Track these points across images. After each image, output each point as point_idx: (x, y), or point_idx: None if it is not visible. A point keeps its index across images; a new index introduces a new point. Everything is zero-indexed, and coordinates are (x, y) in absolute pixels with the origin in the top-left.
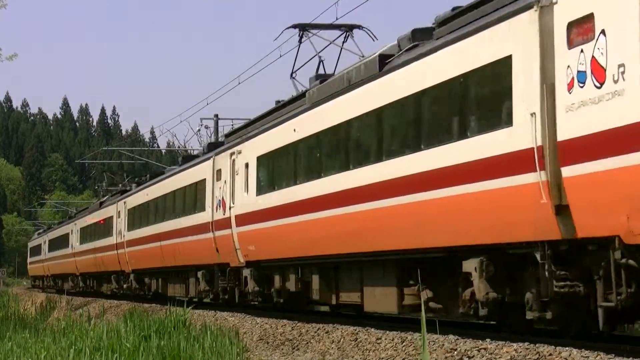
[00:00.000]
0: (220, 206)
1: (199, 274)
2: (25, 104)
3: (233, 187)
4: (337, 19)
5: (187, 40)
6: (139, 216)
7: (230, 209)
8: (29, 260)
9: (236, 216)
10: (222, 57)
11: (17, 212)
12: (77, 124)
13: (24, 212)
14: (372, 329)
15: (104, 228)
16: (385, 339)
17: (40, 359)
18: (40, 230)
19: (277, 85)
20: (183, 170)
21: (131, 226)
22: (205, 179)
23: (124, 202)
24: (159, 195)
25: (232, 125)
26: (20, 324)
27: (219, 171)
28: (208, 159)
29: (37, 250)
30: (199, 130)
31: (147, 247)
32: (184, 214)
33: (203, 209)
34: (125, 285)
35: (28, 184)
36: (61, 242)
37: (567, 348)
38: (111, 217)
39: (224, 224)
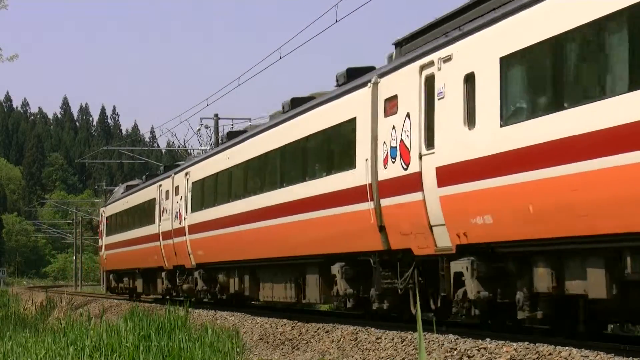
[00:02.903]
0: (177, 217)
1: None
2: (25, 104)
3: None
4: (336, 21)
5: (187, 40)
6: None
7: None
8: (103, 242)
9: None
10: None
11: (17, 211)
12: (77, 123)
13: (24, 212)
14: (372, 329)
15: None
16: (385, 338)
17: (40, 358)
18: (132, 182)
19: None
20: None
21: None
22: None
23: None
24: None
25: (232, 125)
26: (21, 323)
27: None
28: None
29: (131, 217)
30: (199, 130)
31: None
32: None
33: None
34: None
35: (28, 183)
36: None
37: (567, 348)
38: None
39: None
